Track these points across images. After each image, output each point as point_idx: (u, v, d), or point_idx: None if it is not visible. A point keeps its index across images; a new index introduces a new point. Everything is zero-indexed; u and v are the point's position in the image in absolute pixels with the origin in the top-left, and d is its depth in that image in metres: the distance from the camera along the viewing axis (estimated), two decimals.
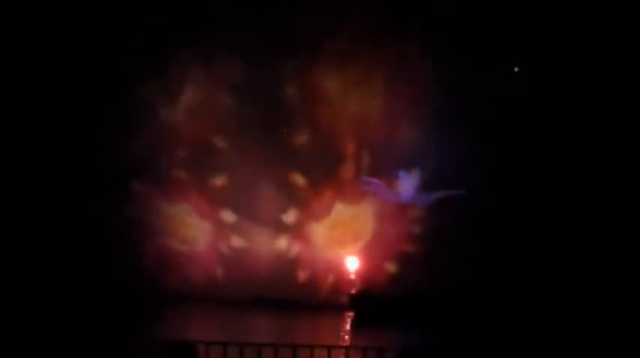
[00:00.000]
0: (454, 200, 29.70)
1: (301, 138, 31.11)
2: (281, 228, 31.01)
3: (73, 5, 30.91)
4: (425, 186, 30.60)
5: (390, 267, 30.08)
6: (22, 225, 30.62)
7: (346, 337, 25.35)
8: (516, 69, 31.05)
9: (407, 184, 30.96)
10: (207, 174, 31.41)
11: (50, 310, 26.14)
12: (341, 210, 31.10)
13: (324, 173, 30.95)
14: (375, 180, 31.00)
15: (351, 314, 28.22)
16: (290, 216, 31.12)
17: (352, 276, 30.47)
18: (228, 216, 31.28)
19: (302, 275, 30.59)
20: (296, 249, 30.94)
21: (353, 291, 28.67)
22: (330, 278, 30.66)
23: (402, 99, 30.00)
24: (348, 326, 26.94)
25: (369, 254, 30.64)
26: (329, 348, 16.17)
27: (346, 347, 20.76)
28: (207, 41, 31.00)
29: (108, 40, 30.58)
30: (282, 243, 30.96)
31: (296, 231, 31.13)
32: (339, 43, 30.45)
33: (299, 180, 31.08)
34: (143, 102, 31.19)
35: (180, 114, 31.56)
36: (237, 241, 31.29)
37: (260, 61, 30.69)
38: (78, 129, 30.83)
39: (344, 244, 31.02)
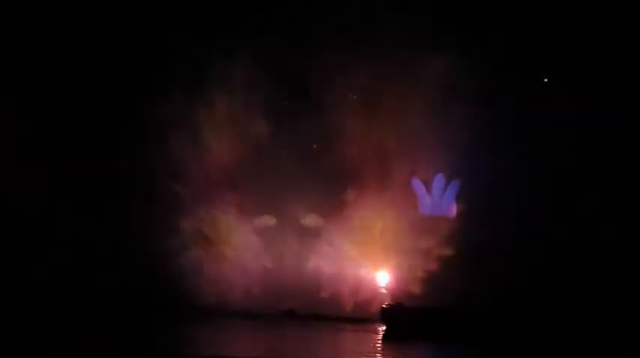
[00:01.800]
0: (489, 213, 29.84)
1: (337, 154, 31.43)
2: (312, 241, 31.26)
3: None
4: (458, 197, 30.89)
5: (421, 281, 30.17)
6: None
7: (378, 350, 25.47)
8: (545, 80, 31.18)
9: (443, 194, 31.13)
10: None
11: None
12: (372, 224, 31.20)
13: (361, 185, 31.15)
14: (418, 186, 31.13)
15: (383, 327, 28.31)
16: (322, 230, 31.37)
17: (383, 290, 30.62)
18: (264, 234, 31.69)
19: (332, 289, 30.76)
20: (327, 262, 31.13)
21: (384, 305, 28.76)
22: (362, 292, 30.80)
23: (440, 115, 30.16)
24: (379, 339, 27.03)
25: (400, 267, 30.77)
26: None
27: None
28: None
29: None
30: (314, 256, 31.16)
31: (327, 244, 31.34)
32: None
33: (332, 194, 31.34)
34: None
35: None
36: (270, 256, 31.60)
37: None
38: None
39: (375, 258, 31.16)
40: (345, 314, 30.21)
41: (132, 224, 31.16)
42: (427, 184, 31.35)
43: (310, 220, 31.30)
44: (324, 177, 30.78)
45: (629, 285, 27.62)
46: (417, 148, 30.66)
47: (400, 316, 27.99)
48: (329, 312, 30.24)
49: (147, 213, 30.88)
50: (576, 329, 25.42)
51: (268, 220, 31.60)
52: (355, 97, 31.63)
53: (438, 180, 31.23)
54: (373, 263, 30.95)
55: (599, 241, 28.36)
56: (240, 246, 31.54)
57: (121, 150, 31.60)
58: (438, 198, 31.27)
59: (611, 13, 29.49)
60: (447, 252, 30.08)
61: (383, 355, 24.01)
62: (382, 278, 30.75)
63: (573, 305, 27.07)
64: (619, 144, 28.94)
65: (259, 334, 27.77)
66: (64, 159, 31.63)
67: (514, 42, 29.80)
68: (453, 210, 31.03)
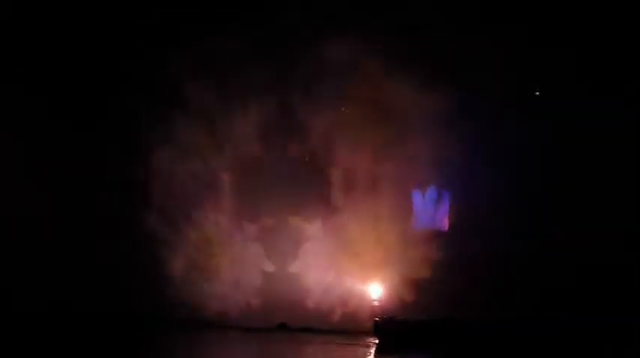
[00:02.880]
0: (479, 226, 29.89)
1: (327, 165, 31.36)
2: (304, 254, 31.15)
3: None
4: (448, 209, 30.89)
5: (414, 293, 30.03)
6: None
7: None
8: (537, 93, 31.20)
9: (436, 207, 31.14)
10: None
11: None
12: (366, 237, 31.12)
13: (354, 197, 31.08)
14: (414, 198, 31.13)
15: (375, 340, 28.16)
16: (313, 243, 31.27)
17: (376, 303, 30.48)
18: (256, 247, 31.57)
19: (325, 302, 30.60)
20: (321, 275, 31.00)
21: (377, 318, 28.61)
22: (354, 305, 30.66)
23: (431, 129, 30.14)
24: (372, 353, 26.89)
25: (392, 280, 30.65)
26: None
27: None
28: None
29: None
30: (306, 269, 31.04)
31: (320, 258, 31.22)
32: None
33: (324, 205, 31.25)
34: None
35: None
36: (262, 268, 31.47)
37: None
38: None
39: (368, 271, 31.05)
40: (337, 327, 30.04)
41: (124, 236, 31.16)
42: (421, 196, 31.35)
43: (300, 229, 31.20)
44: (315, 187, 30.79)
45: (616, 287, 27.74)
46: (411, 160, 30.63)
47: (393, 329, 27.87)
48: (320, 325, 30.08)
49: (137, 224, 30.86)
50: (569, 330, 25.51)
51: (259, 229, 31.53)
52: (346, 110, 31.61)
53: (431, 192, 31.21)
54: (365, 274, 30.86)
55: (588, 247, 28.50)
56: (234, 257, 31.49)
57: (109, 161, 31.53)
58: (431, 210, 31.28)
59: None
60: (440, 263, 29.98)
61: None
62: (374, 290, 30.63)
63: (564, 310, 27.17)
64: (607, 158, 29.02)
65: (243, 349, 27.65)
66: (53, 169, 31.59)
67: (502, 54, 29.83)
68: (446, 222, 31.07)
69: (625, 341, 24.92)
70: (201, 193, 31.54)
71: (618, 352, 24.64)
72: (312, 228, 31.05)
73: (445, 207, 31.15)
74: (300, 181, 30.98)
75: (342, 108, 31.36)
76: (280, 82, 30.62)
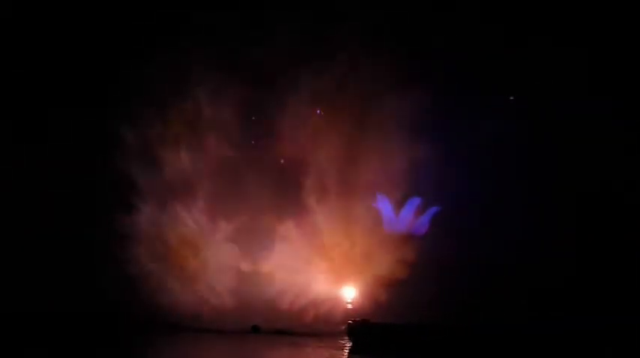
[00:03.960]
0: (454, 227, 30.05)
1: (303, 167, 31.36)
2: (277, 255, 31.12)
3: None
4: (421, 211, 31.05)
5: (387, 296, 30.09)
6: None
7: None
8: (512, 98, 31.39)
9: (408, 211, 31.24)
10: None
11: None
12: (339, 240, 31.16)
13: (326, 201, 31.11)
14: (383, 203, 31.23)
15: (348, 342, 28.16)
16: (288, 245, 31.22)
17: (349, 305, 30.52)
18: (231, 248, 31.48)
19: (298, 304, 30.58)
20: (292, 278, 30.97)
21: (350, 320, 28.63)
22: (327, 307, 30.67)
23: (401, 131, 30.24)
24: (345, 355, 26.89)
25: (366, 283, 30.71)
26: None
27: None
28: None
29: None
30: (279, 272, 30.99)
31: (294, 259, 31.21)
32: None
33: (299, 208, 31.24)
34: None
35: None
36: (236, 269, 31.39)
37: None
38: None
39: (341, 273, 31.08)
40: (310, 329, 30.03)
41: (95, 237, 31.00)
42: (394, 201, 31.44)
43: (274, 230, 31.17)
44: (290, 189, 30.81)
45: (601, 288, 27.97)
46: (385, 162, 30.72)
47: (366, 332, 27.87)
48: (294, 327, 30.05)
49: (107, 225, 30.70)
50: (545, 333, 25.62)
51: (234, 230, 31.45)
52: (321, 112, 31.68)
53: (406, 195, 31.36)
54: (339, 276, 30.89)
55: (564, 249, 28.74)
56: (207, 257, 31.41)
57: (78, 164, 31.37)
58: (405, 213, 31.42)
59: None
60: (414, 266, 30.07)
61: None
62: (348, 292, 30.66)
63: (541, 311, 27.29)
64: (582, 158, 29.25)
65: (214, 352, 27.55)
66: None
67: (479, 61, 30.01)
68: (419, 226, 31.18)
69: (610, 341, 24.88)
70: (176, 193, 31.55)
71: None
72: (286, 229, 31.03)
73: (420, 211, 31.28)
74: (275, 183, 30.99)
75: (318, 111, 31.48)
76: (256, 82, 30.69)
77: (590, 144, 29.09)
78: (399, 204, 31.33)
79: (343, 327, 28.71)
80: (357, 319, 28.59)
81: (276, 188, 30.84)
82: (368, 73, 30.56)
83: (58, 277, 31.09)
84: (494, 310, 27.71)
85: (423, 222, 31.39)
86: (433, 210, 31.09)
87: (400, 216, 31.47)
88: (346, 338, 28.13)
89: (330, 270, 30.94)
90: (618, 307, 27.02)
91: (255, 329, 30.75)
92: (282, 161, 31.95)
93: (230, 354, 27.30)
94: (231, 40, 30.89)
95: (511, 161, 29.81)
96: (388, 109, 30.39)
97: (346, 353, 26.87)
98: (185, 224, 31.43)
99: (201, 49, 30.73)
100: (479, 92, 30.24)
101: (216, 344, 28.72)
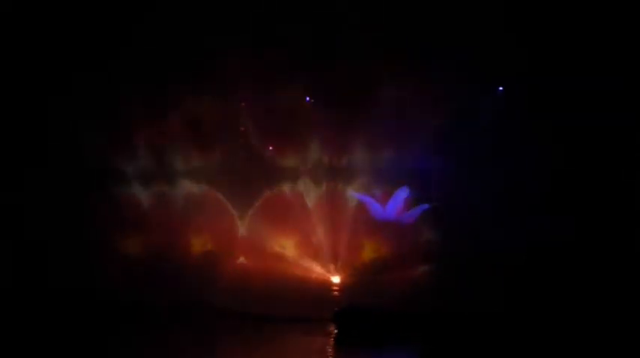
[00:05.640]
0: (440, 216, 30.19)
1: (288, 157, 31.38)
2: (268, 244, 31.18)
3: None
4: (411, 203, 31.14)
5: (375, 283, 30.18)
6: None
7: (329, 353, 25.39)
8: (501, 88, 31.54)
9: (395, 201, 31.35)
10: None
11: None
12: (326, 228, 31.25)
13: (311, 190, 31.18)
14: (362, 196, 31.37)
15: (335, 330, 28.22)
16: (277, 234, 31.27)
17: (336, 293, 30.58)
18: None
19: (287, 291, 30.59)
20: (283, 265, 31.04)
21: (336, 308, 28.68)
22: (315, 295, 30.71)
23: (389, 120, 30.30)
24: (331, 343, 26.95)
25: (354, 270, 30.81)
26: None
27: None
28: None
29: None
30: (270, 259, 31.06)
31: (283, 247, 31.30)
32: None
33: (286, 198, 31.28)
34: None
35: None
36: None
37: None
38: None
39: (329, 261, 31.19)
40: (297, 315, 30.05)
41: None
42: (383, 190, 31.56)
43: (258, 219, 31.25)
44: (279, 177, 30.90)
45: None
46: (373, 152, 30.83)
47: (353, 319, 27.93)
48: (281, 313, 30.08)
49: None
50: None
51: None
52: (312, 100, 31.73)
53: (395, 184, 31.47)
54: (326, 264, 31.00)
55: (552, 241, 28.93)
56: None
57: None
58: (395, 201, 31.58)
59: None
60: (402, 254, 30.20)
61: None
62: (335, 279, 30.75)
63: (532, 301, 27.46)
64: (569, 153, 29.44)
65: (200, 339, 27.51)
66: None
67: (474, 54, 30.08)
68: (406, 215, 31.34)
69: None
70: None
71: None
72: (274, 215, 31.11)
73: (409, 203, 31.42)
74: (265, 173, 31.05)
75: (307, 98, 31.53)
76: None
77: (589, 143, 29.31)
78: (388, 194, 31.43)
79: (330, 314, 28.77)
80: (344, 306, 28.66)
81: (266, 176, 30.94)
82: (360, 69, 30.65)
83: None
84: (480, 297, 27.83)
85: (412, 214, 31.53)
86: (424, 207, 31.23)
87: (388, 205, 31.57)
88: (333, 325, 28.19)
89: (318, 257, 31.05)
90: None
91: (244, 316, 30.52)
92: (270, 148, 32.03)
93: (217, 341, 27.23)
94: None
95: (499, 153, 29.93)
96: (380, 100, 30.49)
97: (332, 341, 26.91)
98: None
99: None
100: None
101: (204, 331, 28.60)
